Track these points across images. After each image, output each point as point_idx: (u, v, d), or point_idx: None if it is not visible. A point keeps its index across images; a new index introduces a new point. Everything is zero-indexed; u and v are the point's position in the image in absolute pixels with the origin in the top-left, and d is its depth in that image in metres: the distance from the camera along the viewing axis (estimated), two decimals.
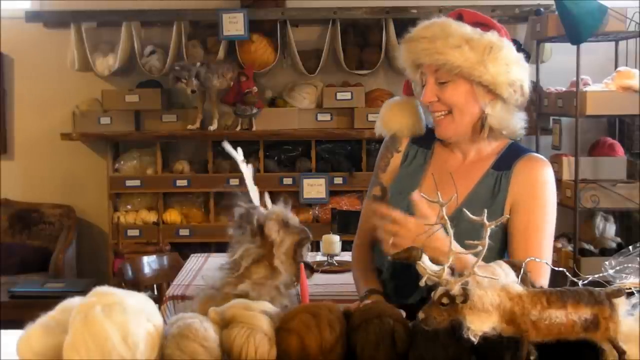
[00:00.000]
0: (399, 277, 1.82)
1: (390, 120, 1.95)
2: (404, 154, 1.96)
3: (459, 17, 1.80)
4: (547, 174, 1.82)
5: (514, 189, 1.80)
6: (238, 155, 1.65)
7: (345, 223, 4.24)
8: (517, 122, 1.84)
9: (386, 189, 1.98)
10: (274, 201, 1.65)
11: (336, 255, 3.16)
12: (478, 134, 1.83)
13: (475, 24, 1.78)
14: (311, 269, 1.62)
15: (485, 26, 1.79)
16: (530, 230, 1.78)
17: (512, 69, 1.75)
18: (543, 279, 1.68)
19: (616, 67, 4.42)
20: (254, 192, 1.62)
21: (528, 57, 4.66)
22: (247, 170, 1.64)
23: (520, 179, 1.81)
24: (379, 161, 2.02)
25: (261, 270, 1.56)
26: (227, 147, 1.65)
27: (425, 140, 1.94)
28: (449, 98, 1.78)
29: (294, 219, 1.59)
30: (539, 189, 1.80)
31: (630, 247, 1.47)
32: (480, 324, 1.16)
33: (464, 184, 1.82)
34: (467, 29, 1.75)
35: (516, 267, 1.33)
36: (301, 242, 1.56)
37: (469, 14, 1.81)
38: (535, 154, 1.87)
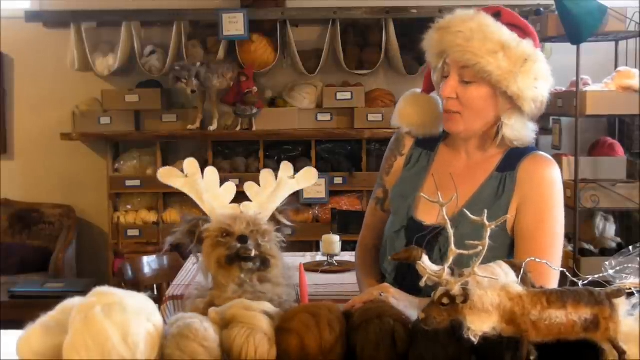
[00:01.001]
0: (402, 280, 1.81)
1: (409, 118, 1.90)
2: (407, 157, 1.94)
3: (497, 15, 1.73)
4: (554, 173, 1.79)
5: (520, 190, 1.77)
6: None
7: (345, 223, 4.24)
8: (529, 133, 1.80)
9: (388, 191, 1.96)
10: None
11: (336, 255, 3.16)
12: (491, 140, 1.80)
13: (512, 26, 1.73)
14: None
15: (522, 31, 1.74)
16: (540, 232, 1.74)
17: (539, 84, 1.71)
18: (550, 284, 1.63)
19: (616, 67, 4.42)
20: (208, 201, 1.58)
21: None
22: (190, 184, 1.59)
23: (526, 178, 1.77)
24: (383, 163, 2.00)
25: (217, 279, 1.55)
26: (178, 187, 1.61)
27: (430, 142, 1.92)
28: (468, 99, 1.74)
29: (236, 224, 1.52)
30: (546, 188, 1.76)
31: (630, 247, 1.46)
32: (480, 324, 1.16)
33: (467, 185, 1.80)
34: (505, 32, 1.69)
35: (516, 267, 1.33)
36: (228, 257, 1.49)
37: (508, 14, 1.75)
38: (540, 153, 1.83)
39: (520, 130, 1.78)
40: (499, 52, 1.67)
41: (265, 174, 1.63)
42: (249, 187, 1.62)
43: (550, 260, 1.62)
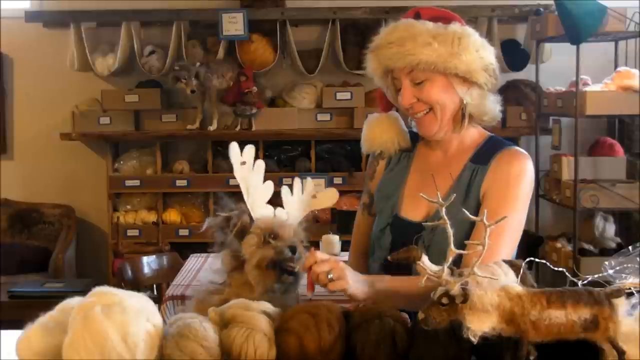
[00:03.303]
0: None
1: (376, 139, 1.96)
2: (387, 160, 1.99)
3: (417, 16, 1.82)
4: (524, 166, 1.81)
5: (488, 180, 1.80)
6: (237, 158, 1.60)
7: (344, 223, 4.23)
8: (494, 106, 1.85)
9: (373, 196, 2.00)
10: (272, 200, 1.63)
11: (336, 255, 3.16)
12: (459, 124, 1.83)
13: (435, 18, 1.80)
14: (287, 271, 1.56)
15: (445, 19, 1.80)
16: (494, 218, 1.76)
17: (483, 54, 1.77)
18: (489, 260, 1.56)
19: (616, 67, 4.42)
20: (252, 195, 1.58)
21: (528, 57, 4.68)
22: (243, 172, 1.59)
23: (494, 170, 1.80)
24: (367, 170, 2.06)
25: (240, 277, 1.54)
26: (233, 149, 1.60)
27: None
28: (427, 97, 1.79)
29: (286, 230, 1.53)
30: (513, 180, 1.79)
31: (630, 247, 1.47)
32: (479, 324, 1.16)
33: (445, 180, 1.83)
34: (429, 25, 1.76)
35: (515, 267, 1.33)
36: (273, 261, 1.50)
37: (426, 10, 1.83)
38: (514, 147, 1.86)
39: (484, 104, 1.82)
40: (432, 42, 1.74)
41: (297, 184, 1.65)
42: (285, 195, 1.63)
43: (497, 248, 1.66)
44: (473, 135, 1.89)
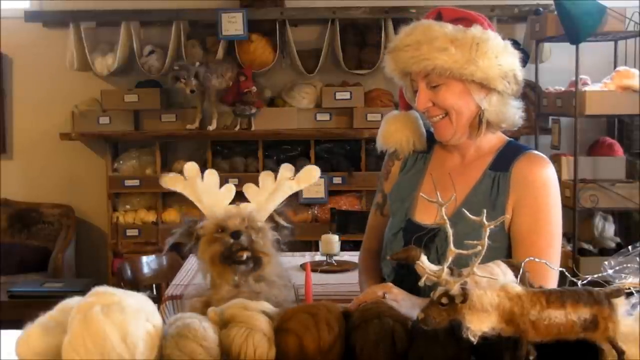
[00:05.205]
0: (400, 282, 1.82)
1: (391, 136, 1.92)
2: (403, 161, 1.96)
3: (438, 16, 1.77)
4: (548, 172, 1.78)
5: (515, 191, 1.77)
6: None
7: (344, 223, 4.25)
8: (515, 112, 1.80)
9: (387, 196, 1.98)
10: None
11: (335, 255, 3.16)
12: (476, 131, 1.80)
13: (456, 20, 1.75)
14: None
15: (467, 21, 1.76)
16: (537, 234, 1.74)
17: (502, 60, 1.72)
18: (549, 286, 1.59)
19: (615, 67, 4.42)
20: (205, 202, 1.59)
21: (527, 57, 4.68)
22: (188, 186, 1.61)
23: (520, 179, 1.77)
24: (382, 169, 2.02)
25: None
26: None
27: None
28: (443, 101, 1.75)
29: (232, 221, 1.52)
30: (541, 189, 1.76)
31: (630, 247, 1.46)
32: (479, 324, 1.16)
33: (462, 185, 1.80)
34: (449, 28, 1.72)
35: (514, 267, 1.33)
36: (224, 254, 1.50)
37: (448, 11, 1.78)
38: (534, 152, 1.83)
39: (504, 111, 1.78)
40: (449, 47, 1.69)
41: (264, 176, 1.64)
42: (248, 188, 1.62)
43: (550, 262, 1.63)
44: (491, 140, 1.85)
